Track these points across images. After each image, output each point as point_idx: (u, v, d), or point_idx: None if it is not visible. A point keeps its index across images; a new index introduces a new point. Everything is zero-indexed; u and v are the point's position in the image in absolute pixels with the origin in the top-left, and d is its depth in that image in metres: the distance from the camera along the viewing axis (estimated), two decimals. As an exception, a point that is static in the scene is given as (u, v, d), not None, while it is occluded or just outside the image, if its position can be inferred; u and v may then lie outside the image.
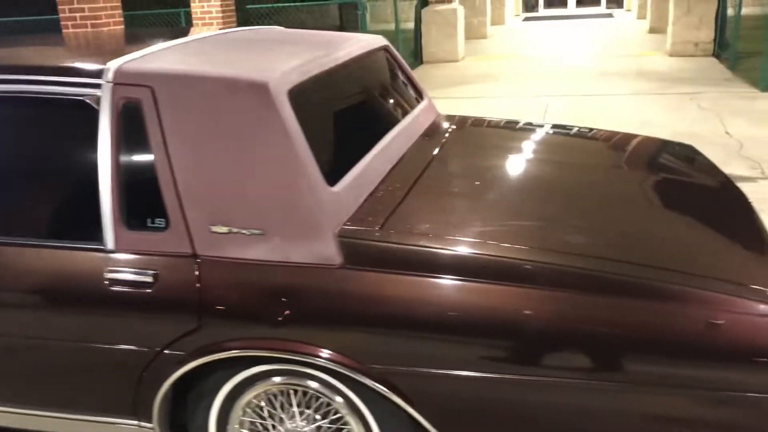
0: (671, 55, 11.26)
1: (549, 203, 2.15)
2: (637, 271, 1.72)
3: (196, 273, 1.86)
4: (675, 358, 1.64)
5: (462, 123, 3.08)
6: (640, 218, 2.10)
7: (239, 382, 1.96)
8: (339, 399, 1.93)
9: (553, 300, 1.69)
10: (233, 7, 9.28)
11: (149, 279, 1.88)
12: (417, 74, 11.35)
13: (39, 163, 2.05)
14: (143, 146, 1.90)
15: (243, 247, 1.84)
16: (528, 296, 1.70)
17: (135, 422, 2.05)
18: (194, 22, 9.15)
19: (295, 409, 1.99)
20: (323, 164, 1.91)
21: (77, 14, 6.60)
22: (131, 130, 1.91)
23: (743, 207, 2.21)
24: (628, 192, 2.33)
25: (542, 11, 23.16)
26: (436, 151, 2.55)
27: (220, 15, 9.00)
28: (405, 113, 2.74)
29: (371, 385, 1.79)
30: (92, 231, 1.91)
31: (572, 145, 2.98)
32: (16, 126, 2.04)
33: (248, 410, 2.03)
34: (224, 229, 1.85)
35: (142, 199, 1.91)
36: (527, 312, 1.70)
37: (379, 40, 3.03)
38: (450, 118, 3.15)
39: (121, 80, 1.93)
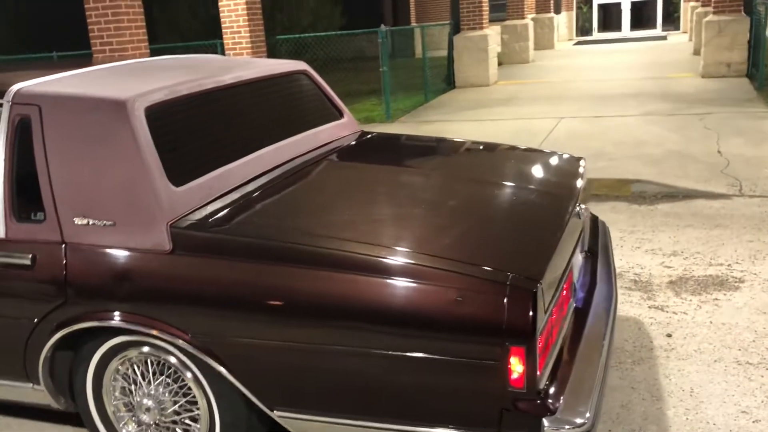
0: (703, 76, 11.18)
1: (383, 205, 2.45)
2: (407, 256, 2.00)
3: (63, 257, 2.27)
4: (425, 329, 1.91)
5: (372, 139, 3.41)
6: (454, 217, 2.37)
7: (106, 351, 2.34)
8: (189, 374, 2.27)
9: (330, 279, 2.00)
10: (263, 38, 9.89)
11: (28, 262, 2.29)
12: (446, 98, 11.70)
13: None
14: (31, 154, 2.33)
15: (99, 236, 2.24)
16: (308, 276, 2.01)
17: (30, 385, 2.45)
18: (227, 52, 9.81)
19: (151, 377, 2.35)
20: (174, 169, 2.28)
21: (107, 47, 7.29)
22: (23, 141, 2.35)
23: (558, 215, 2.40)
24: (468, 196, 2.59)
25: (596, 35, 23.11)
26: (318, 161, 2.88)
27: (250, 46, 9.62)
28: (306, 128, 3.09)
29: (196, 354, 2.13)
30: (-10, 223, 2.35)
31: (457, 158, 3.25)
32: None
33: (117, 376, 2.40)
34: (84, 221, 2.25)
35: (27, 196, 2.33)
36: (309, 289, 2.01)
37: (298, 65, 3.41)
38: (364, 135, 3.48)
39: (18, 100, 2.37)
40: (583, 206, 2.58)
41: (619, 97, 10.04)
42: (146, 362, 2.35)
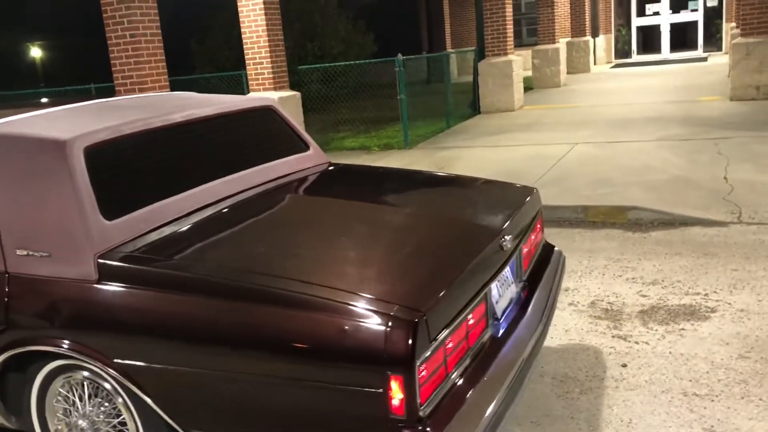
0: (732, 99, 10.99)
1: (305, 237, 2.56)
2: (304, 288, 2.11)
3: (6, 286, 2.45)
4: (317, 358, 2.01)
5: (331, 172, 3.54)
6: (368, 248, 2.47)
7: (47, 373, 2.51)
8: (120, 399, 2.41)
9: (231, 309, 2.12)
10: (285, 69, 10.18)
11: (-23, 290, 2.49)
12: (470, 123, 11.78)
13: None
14: (-17, 190, 2.53)
15: (36, 266, 2.41)
16: (213, 306, 2.14)
17: (-16, 405, 2.64)
18: (250, 82, 10.12)
19: (86, 398, 2.50)
20: (109, 203, 2.45)
21: (128, 81, 7.65)
22: (-24, 178, 2.55)
23: (472, 247, 2.47)
24: (393, 227, 2.68)
25: (635, 57, 22.86)
26: (267, 193, 3.02)
27: (272, 77, 9.91)
28: (263, 161, 3.24)
29: (120, 380, 2.28)
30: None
31: (405, 191, 3.34)
32: None
33: (59, 397, 2.56)
34: (24, 252, 2.43)
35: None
36: (213, 318, 2.14)
37: (263, 101, 3.57)
38: (329, 167, 3.61)
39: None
40: (507, 237, 2.63)
41: (640, 121, 9.95)
42: (82, 385, 2.50)
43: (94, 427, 2.49)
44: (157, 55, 7.75)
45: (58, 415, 2.59)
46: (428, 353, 2.00)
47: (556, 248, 3.39)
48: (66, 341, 2.35)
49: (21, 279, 2.44)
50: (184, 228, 2.60)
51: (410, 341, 1.92)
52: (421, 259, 2.39)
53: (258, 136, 3.44)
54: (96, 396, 2.49)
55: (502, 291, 2.67)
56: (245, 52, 9.97)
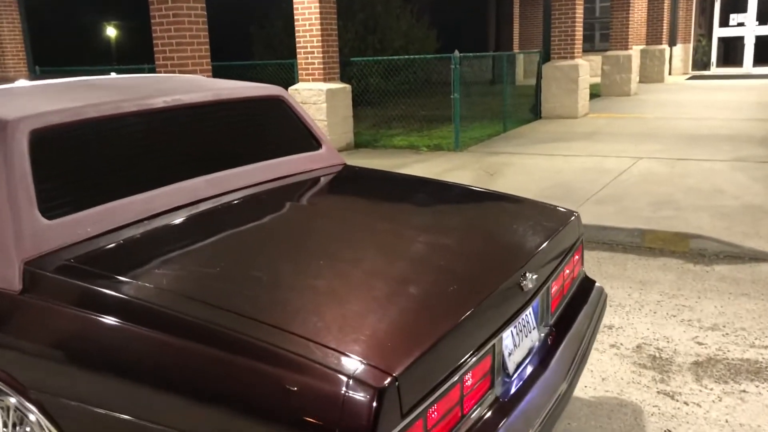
0: (819, 120, 10.07)
1: (281, 260, 2.10)
2: (252, 328, 1.65)
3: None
4: (253, 417, 1.56)
5: (342, 176, 3.09)
6: (352, 281, 1.99)
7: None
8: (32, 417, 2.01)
9: (164, 346, 1.68)
10: (336, 60, 9.78)
11: None
12: (526, 129, 11.15)
13: None
14: None
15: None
16: (142, 338, 1.71)
17: None
18: (300, 72, 9.77)
19: (10, 427, 2.11)
20: (53, 199, 2.06)
21: (168, 62, 7.37)
22: None
23: (480, 287, 1.98)
24: (392, 254, 2.20)
25: (714, 70, 21.65)
26: (255, 197, 2.59)
27: (322, 67, 9.54)
28: (259, 159, 2.81)
29: (27, 406, 1.88)
30: None
31: (422, 207, 2.83)
32: None
33: (-13, 422, 2.19)
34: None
35: None
36: (140, 354, 1.71)
37: (271, 90, 3.14)
38: (343, 169, 3.16)
39: None
40: (529, 275, 2.13)
41: (713, 138, 9.16)
42: (8, 412, 2.12)
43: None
44: (201, 37, 7.45)
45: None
46: (403, 428, 1.53)
47: (597, 284, 2.85)
48: None
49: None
50: (140, 235, 2.18)
51: (372, 415, 1.46)
52: (413, 298, 1.90)
53: (258, 129, 3.02)
54: (22, 425, 2.11)
55: (519, 339, 2.17)
56: (297, 40, 9.63)
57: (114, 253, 2.09)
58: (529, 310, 2.24)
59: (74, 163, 2.25)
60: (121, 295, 1.83)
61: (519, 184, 6.92)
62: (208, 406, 1.62)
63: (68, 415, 1.85)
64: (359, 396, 1.47)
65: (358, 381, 1.49)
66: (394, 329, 1.71)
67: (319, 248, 2.20)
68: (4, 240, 1.96)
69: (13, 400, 2.05)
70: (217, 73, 8.21)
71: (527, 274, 2.12)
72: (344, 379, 1.49)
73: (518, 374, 2.11)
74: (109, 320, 1.78)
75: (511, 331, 2.11)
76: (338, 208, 2.70)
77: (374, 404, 1.46)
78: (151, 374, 1.71)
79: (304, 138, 3.17)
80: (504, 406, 1.96)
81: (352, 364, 1.53)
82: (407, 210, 2.76)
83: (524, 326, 2.22)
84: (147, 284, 1.89)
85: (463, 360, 1.76)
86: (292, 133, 3.14)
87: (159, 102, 2.56)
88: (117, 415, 1.76)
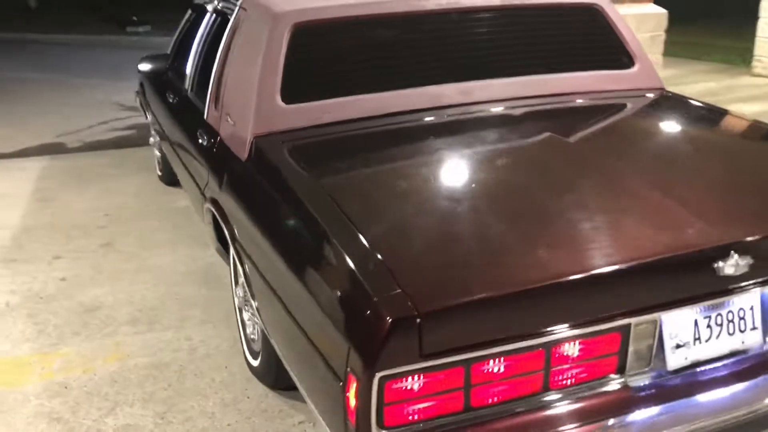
0: None
1: (454, 182, 2.00)
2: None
3: (215, 148, 2.61)
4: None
5: (656, 104, 2.67)
6: (501, 213, 1.77)
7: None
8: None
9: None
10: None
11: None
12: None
13: None
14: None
15: (225, 132, 2.50)
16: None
17: None
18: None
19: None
20: (294, 87, 2.32)
21: None
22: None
23: None
24: (594, 192, 1.86)
25: None
26: (520, 116, 2.45)
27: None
28: (543, 71, 2.62)
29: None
30: None
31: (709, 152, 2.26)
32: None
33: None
34: (228, 119, 2.51)
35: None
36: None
37: (589, -2, 2.82)
38: (659, 95, 2.73)
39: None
40: (736, 258, 1.57)
41: None
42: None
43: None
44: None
45: None
46: (415, 368, 1.42)
47: None
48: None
49: (220, 143, 2.56)
50: (360, 133, 2.32)
51: (378, 344, 1.38)
52: (532, 242, 1.64)
53: (552, 39, 2.76)
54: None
55: (710, 333, 1.68)
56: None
57: (329, 144, 2.29)
58: (748, 303, 1.70)
59: (325, 57, 2.47)
60: (303, 179, 2.04)
61: None
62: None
63: (251, 256, 2.13)
64: (374, 320, 1.41)
65: (381, 305, 1.43)
66: (477, 268, 1.56)
67: (528, 182, 1.98)
68: (245, 115, 2.33)
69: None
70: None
71: (733, 255, 1.59)
72: (373, 300, 1.45)
73: (688, 373, 1.66)
74: (290, 198, 1.98)
75: (695, 319, 1.66)
76: (609, 141, 2.35)
77: (383, 334, 1.38)
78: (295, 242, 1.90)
79: (614, 53, 2.80)
80: (631, 401, 1.59)
81: (388, 288, 1.46)
82: (687, 158, 2.25)
83: (730, 320, 1.70)
84: (320, 181, 2.02)
85: (551, 327, 1.49)
86: (597, 46, 2.81)
87: (431, 4, 2.57)
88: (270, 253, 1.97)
